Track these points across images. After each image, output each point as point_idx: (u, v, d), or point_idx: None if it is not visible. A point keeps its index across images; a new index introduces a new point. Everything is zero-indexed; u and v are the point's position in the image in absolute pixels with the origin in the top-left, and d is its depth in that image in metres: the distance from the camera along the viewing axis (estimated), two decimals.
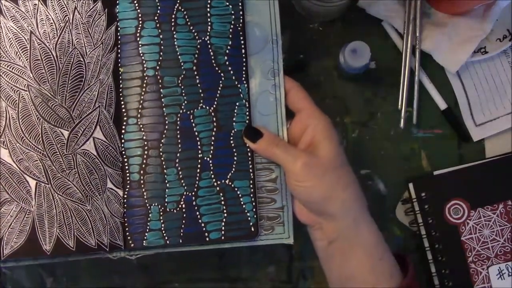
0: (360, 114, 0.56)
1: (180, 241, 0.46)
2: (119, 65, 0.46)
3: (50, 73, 0.43)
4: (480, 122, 0.56)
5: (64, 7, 0.44)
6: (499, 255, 0.53)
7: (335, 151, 0.44)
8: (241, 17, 0.47)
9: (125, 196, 0.46)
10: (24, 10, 0.44)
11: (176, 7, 0.47)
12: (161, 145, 0.46)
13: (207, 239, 0.46)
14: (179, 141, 0.47)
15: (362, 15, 0.56)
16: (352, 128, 0.56)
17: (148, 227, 0.45)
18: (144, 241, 0.45)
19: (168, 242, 0.45)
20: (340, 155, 0.45)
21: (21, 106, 0.43)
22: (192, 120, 0.47)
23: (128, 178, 0.46)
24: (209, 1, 0.47)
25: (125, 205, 0.46)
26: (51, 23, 0.44)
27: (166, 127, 0.46)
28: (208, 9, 0.47)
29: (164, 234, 0.45)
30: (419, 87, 0.55)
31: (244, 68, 0.47)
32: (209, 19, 0.47)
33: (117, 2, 0.47)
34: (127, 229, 0.45)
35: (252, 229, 0.46)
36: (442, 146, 0.56)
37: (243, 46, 0.47)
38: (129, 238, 0.45)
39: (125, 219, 0.45)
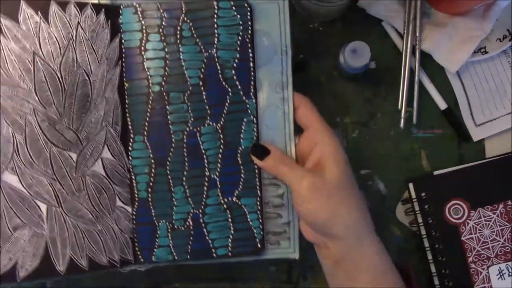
0: (360, 114, 0.56)
1: (188, 257, 0.46)
2: (124, 79, 0.45)
3: (56, 95, 0.42)
4: (480, 122, 0.56)
5: (66, 23, 0.42)
6: (499, 255, 0.53)
7: (342, 172, 0.44)
8: (250, 28, 0.46)
9: (134, 213, 0.46)
10: (25, 29, 0.42)
11: (181, 18, 0.45)
12: (168, 163, 0.46)
13: (214, 255, 0.46)
14: (185, 159, 0.46)
15: (362, 15, 0.56)
16: (352, 128, 0.56)
17: (156, 243, 0.46)
18: (153, 256, 0.46)
19: (176, 257, 0.46)
20: (346, 176, 0.44)
21: (28, 131, 0.42)
22: (198, 138, 0.46)
23: (136, 196, 0.46)
24: (216, 11, 0.45)
25: (134, 222, 0.46)
26: (54, 41, 0.42)
27: (173, 145, 0.46)
28: (215, 20, 0.45)
29: (172, 250, 0.46)
30: (419, 87, 0.55)
31: (252, 83, 0.46)
32: (216, 31, 0.45)
33: (120, 12, 0.45)
34: (136, 244, 0.46)
35: (259, 245, 0.47)
36: (442, 146, 0.56)
37: (251, 59, 0.46)
38: (138, 253, 0.46)
39: (135, 235, 0.46)
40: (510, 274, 0.53)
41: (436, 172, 0.54)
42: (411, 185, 0.54)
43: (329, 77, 0.56)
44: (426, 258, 0.54)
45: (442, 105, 0.56)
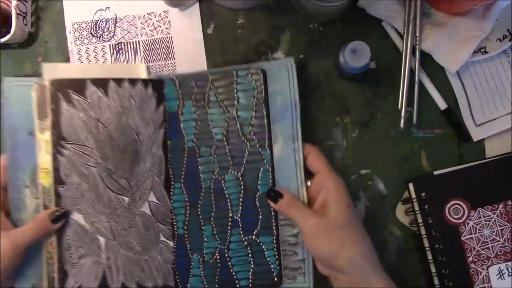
0: (360, 114, 0.56)
1: (216, 286, 0.53)
2: (167, 138, 0.54)
3: (113, 152, 0.52)
4: (480, 122, 0.56)
5: (121, 96, 0.52)
6: (499, 255, 0.53)
7: (343, 212, 0.48)
8: (263, 90, 0.53)
9: (174, 246, 0.54)
10: (90, 101, 0.52)
11: (208, 86, 0.54)
12: (199, 205, 0.54)
13: (238, 285, 0.53)
14: (212, 202, 0.53)
15: (362, 15, 0.56)
16: (352, 128, 0.56)
17: (191, 273, 0.53)
18: (188, 284, 0.53)
19: (206, 286, 0.53)
20: (348, 215, 0.48)
21: (91, 180, 0.52)
22: (223, 184, 0.53)
23: (176, 232, 0.54)
24: (235, 79, 0.53)
25: (174, 254, 0.53)
26: (112, 110, 0.52)
27: (203, 190, 0.54)
28: (235, 86, 0.53)
29: (203, 280, 0.53)
30: (419, 87, 0.55)
31: (267, 136, 0.53)
32: (236, 95, 0.53)
33: (164, 84, 0.54)
34: (176, 273, 0.53)
35: (276, 279, 0.52)
36: (442, 146, 0.56)
37: (265, 117, 0.53)
38: (178, 281, 0.53)
39: (175, 265, 0.53)
40: (510, 274, 0.53)
41: (436, 172, 0.54)
42: (411, 185, 0.54)
43: (329, 77, 0.56)
44: (426, 258, 0.54)
45: (442, 105, 0.56)
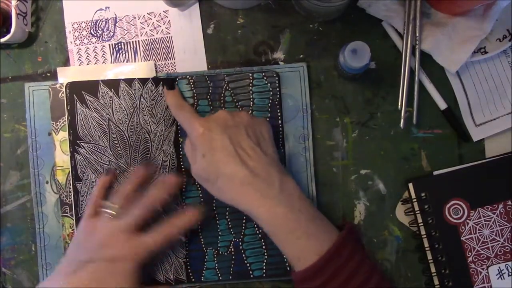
0: (360, 114, 0.56)
1: (230, 277, 0.55)
2: (179, 135, 0.56)
3: (124, 150, 0.55)
4: (480, 122, 0.56)
5: (132, 96, 0.55)
6: (499, 255, 0.53)
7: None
8: (278, 93, 0.55)
9: (187, 241, 0.55)
10: (103, 102, 0.54)
11: (224, 87, 0.55)
12: (214, 201, 0.55)
13: (252, 276, 0.55)
14: None
15: (362, 15, 0.56)
16: (352, 128, 0.56)
17: (205, 266, 0.55)
18: (202, 277, 0.55)
19: (220, 278, 0.55)
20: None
21: None
22: None
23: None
24: (251, 81, 0.55)
25: (187, 249, 0.55)
26: (123, 110, 0.55)
27: None
28: (250, 87, 0.55)
29: (218, 272, 0.55)
30: (419, 87, 0.55)
31: (280, 136, 0.55)
32: (251, 96, 0.55)
33: (176, 83, 0.55)
34: (189, 267, 0.55)
35: (288, 269, 0.54)
36: (442, 146, 0.56)
37: (279, 117, 0.55)
38: (190, 274, 0.55)
39: (187, 260, 0.55)
40: (510, 274, 0.53)
41: (436, 172, 0.54)
42: (411, 185, 0.54)
43: (329, 77, 0.56)
44: (426, 258, 0.54)
45: (442, 105, 0.56)
